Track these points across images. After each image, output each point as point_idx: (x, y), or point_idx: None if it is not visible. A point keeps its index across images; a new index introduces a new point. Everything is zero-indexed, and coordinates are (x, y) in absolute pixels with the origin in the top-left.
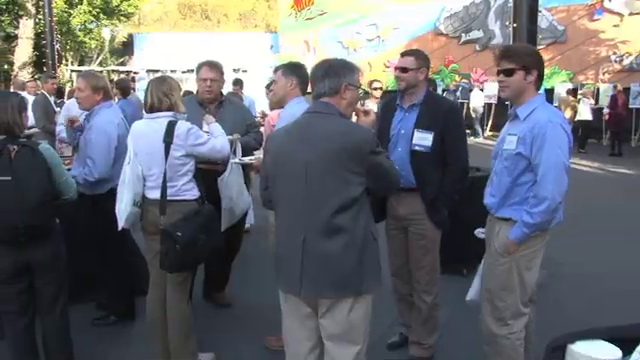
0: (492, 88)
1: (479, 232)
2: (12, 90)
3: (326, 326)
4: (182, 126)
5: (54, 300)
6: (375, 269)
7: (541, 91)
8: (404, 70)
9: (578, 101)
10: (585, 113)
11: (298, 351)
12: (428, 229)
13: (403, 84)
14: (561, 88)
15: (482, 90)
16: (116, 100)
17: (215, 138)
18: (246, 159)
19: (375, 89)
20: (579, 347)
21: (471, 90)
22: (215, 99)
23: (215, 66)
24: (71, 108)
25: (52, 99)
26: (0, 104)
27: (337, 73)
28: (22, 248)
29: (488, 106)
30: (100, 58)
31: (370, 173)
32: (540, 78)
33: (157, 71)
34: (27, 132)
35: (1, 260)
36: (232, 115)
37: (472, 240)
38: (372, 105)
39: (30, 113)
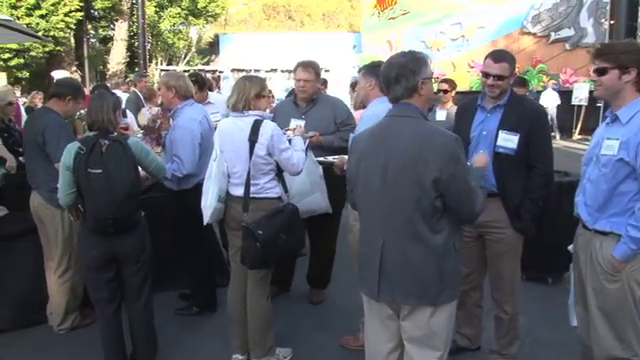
0: (582, 89)
1: (572, 248)
2: None
3: (407, 329)
4: (267, 126)
5: (139, 290)
6: (454, 280)
7: None
8: (501, 78)
9: None
10: None
11: (378, 351)
12: (510, 236)
13: (497, 91)
14: None
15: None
16: None
17: (295, 151)
18: (330, 158)
19: (440, 92)
20: None
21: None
22: (309, 98)
23: (309, 66)
24: (145, 113)
25: (142, 96)
26: (97, 103)
27: (413, 71)
28: (110, 239)
29: (578, 108)
30: (187, 58)
31: (449, 183)
32: None
33: (242, 70)
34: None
35: (92, 250)
36: (320, 113)
37: (562, 248)
38: (440, 113)
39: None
